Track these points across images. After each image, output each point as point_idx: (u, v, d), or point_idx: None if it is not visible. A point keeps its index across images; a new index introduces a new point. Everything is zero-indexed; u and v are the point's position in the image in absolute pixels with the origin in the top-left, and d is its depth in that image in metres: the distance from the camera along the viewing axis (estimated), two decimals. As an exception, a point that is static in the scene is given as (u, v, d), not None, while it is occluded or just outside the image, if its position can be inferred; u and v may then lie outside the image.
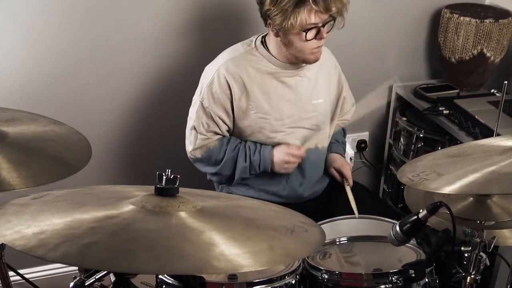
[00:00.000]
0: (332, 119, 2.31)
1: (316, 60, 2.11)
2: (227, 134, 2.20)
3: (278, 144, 2.19)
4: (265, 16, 2.04)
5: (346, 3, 2.02)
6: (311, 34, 2.01)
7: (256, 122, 2.15)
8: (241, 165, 2.17)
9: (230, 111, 2.14)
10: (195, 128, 2.16)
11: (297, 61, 2.13)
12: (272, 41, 2.12)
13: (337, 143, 2.41)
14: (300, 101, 2.18)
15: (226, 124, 2.16)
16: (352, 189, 2.28)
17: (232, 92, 2.11)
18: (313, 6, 1.94)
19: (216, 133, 2.17)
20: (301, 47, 2.05)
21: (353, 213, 2.10)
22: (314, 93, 2.21)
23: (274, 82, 2.15)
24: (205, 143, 2.17)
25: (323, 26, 2.01)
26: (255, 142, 2.18)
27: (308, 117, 2.21)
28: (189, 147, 2.21)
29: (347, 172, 2.32)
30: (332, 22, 2.03)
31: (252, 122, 2.15)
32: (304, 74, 2.18)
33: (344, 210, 2.10)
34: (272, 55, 2.13)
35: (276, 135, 2.18)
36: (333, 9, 1.98)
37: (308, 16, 1.96)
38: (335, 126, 2.35)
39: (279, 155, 2.17)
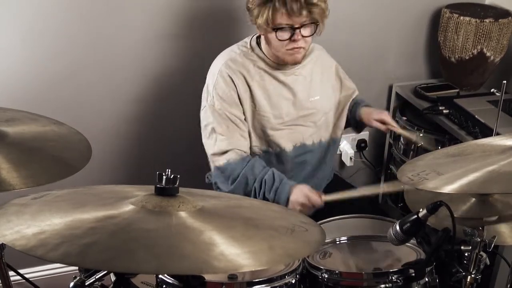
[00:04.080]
0: (337, 109, 2.32)
1: (294, 62, 2.11)
2: (246, 131, 2.16)
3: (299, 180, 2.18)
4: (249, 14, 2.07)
5: (325, 9, 2.01)
6: (283, 34, 2.01)
7: (256, 119, 2.16)
8: (253, 194, 2.13)
9: (239, 105, 2.13)
10: (214, 130, 2.13)
11: (279, 61, 2.13)
12: (262, 40, 2.15)
13: (362, 102, 2.37)
14: (298, 100, 2.20)
15: (241, 120, 2.14)
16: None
17: (238, 88, 2.12)
18: (277, 5, 1.95)
19: (238, 134, 2.13)
20: (276, 47, 2.06)
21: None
22: (311, 91, 2.22)
23: (272, 81, 2.16)
24: (229, 148, 2.11)
25: (298, 28, 2.00)
26: (273, 179, 2.09)
27: (306, 114, 2.22)
28: (209, 150, 2.17)
29: (388, 118, 2.26)
30: (313, 26, 2.01)
31: (253, 119, 2.16)
32: (299, 73, 2.19)
33: (344, 210, 2.09)
34: (266, 55, 2.15)
35: (275, 133, 2.19)
36: (304, 13, 1.96)
37: (274, 15, 1.97)
38: (346, 111, 2.35)
39: (298, 195, 2.08)
